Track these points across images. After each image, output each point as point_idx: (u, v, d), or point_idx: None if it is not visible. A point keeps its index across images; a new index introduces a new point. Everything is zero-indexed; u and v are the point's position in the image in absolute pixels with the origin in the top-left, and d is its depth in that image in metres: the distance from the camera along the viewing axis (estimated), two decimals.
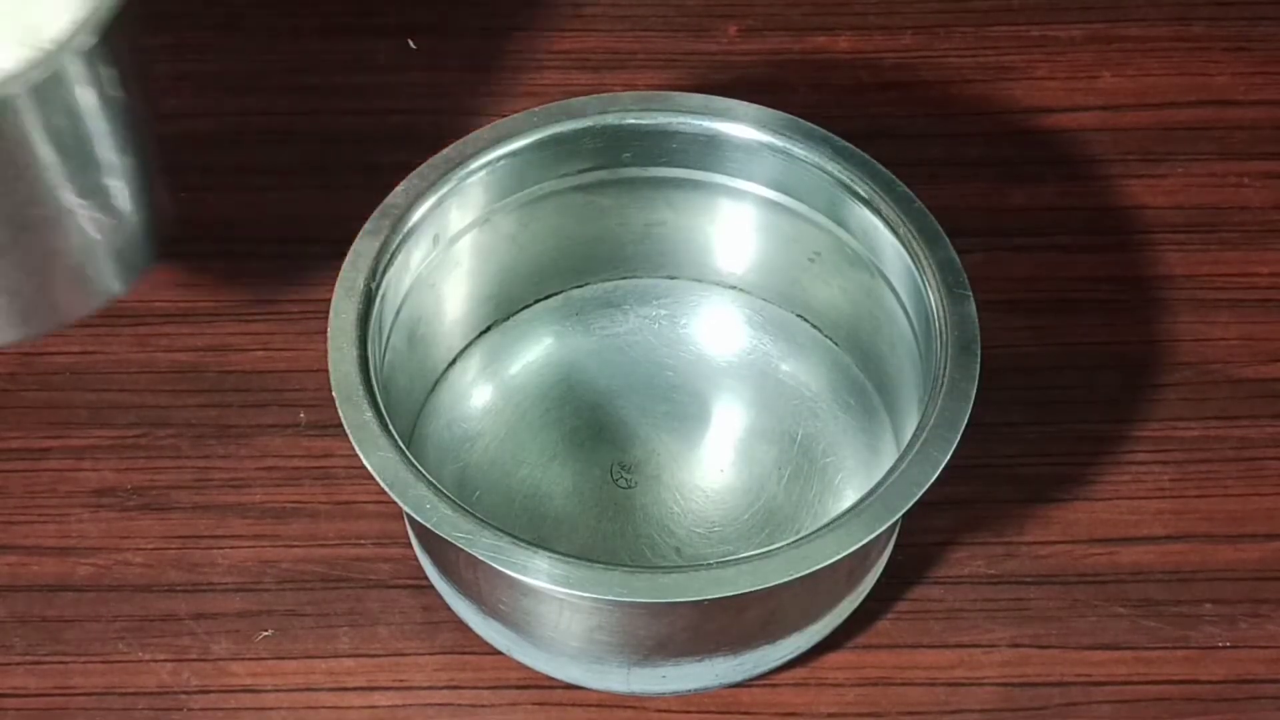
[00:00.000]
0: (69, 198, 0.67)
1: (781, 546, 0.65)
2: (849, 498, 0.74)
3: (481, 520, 0.65)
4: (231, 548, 0.78)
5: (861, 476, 0.76)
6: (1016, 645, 0.76)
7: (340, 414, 0.68)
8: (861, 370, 0.78)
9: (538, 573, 0.64)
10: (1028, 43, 0.95)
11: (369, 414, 0.68)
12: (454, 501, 0.66)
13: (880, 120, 0.92)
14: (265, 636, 0.76)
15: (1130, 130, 0.92)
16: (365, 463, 0.67)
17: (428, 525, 0.65)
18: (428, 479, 0.66)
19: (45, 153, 0.66)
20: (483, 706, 0.75)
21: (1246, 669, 0.75)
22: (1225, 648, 0.76)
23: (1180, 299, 0.86)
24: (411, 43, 0.95)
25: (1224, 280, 0.86)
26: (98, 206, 0.67)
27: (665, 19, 0.96)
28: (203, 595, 0.77)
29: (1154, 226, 0.88)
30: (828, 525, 0.66)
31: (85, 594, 0.77)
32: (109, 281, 0.70)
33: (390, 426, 0.67)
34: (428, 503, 0.66)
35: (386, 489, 0.66)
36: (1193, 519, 0.79)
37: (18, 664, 0.75)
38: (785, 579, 0.64)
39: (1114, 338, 0.85)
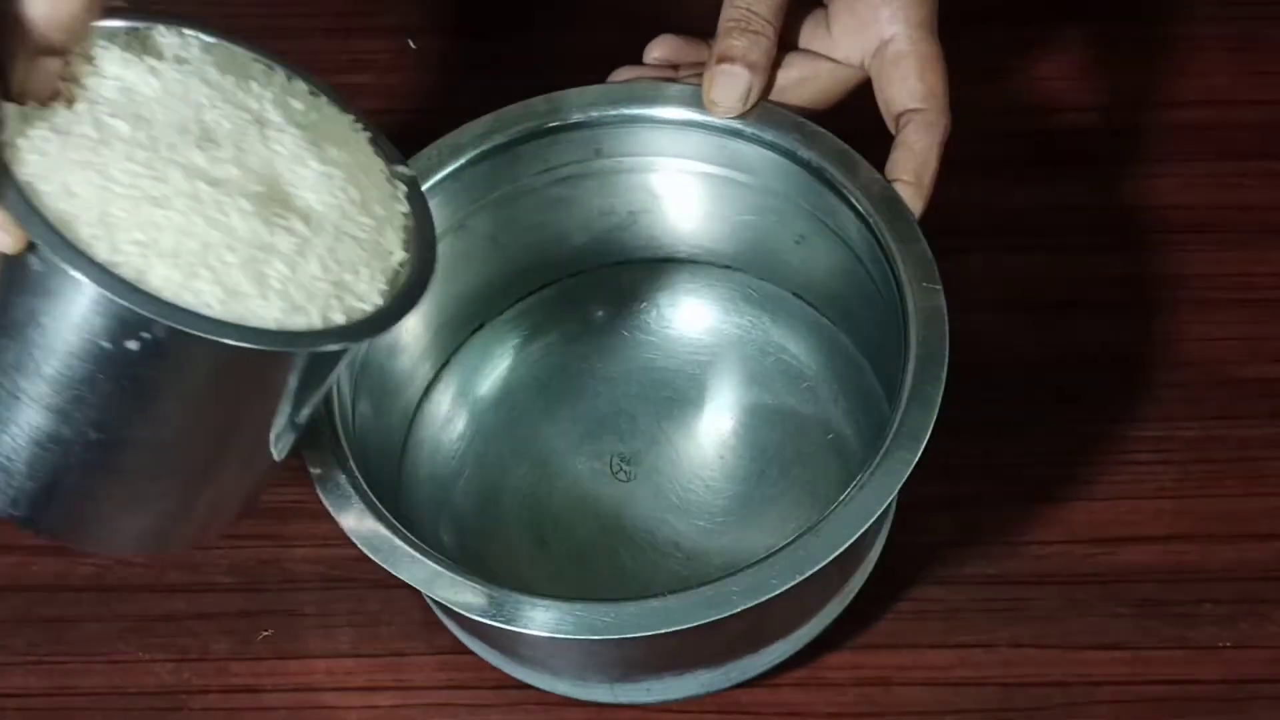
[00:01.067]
0: (274, 441, 0.65)
1: (741, 570, 0.64)
2: (850, 478, 0.73)
3: (445, 563, 0.65)
4: (232, 547, 0.78)
5: (864, 454, 0.75)
6: (1017, 645, 0.76)
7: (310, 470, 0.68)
8: (857, 348, 0.77)
9: (503, 615, 0.64)
10: (1028, 43, 0.95)
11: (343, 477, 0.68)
12: (415, 542, 0.66)
13: (880, 120, 0.92)
14: (265, 636, 0.76)
15: (1130, 130, 0.92)
16: (350, 536, 0.67)
17: (387, 567, 0.65)
18: (410, 538, 0.66)
19: (296, 399, 0.64)
20: (483, 706, 0.75)
21: (1246, 669, 0.75)
22: (1225, 648, 0.76)
23: (1180, 299, 0.86)
24: (411, 43, 0.95)
25: (1224, 280, 0.86)
26: (278, 449, 0.65)
27: (665, 19, 0.96)
28: (203, 595, 0.77)
29: (1154, 226, 0.88)
30: (789, 545, 0.65)
31: (85, 594, 0.77)
32: (248, 508, 0.68)
33: (365, 487, 0.67)
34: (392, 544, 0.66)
35: (372, 555, 0.66)
36: (1193, 519, 0.79)
37: (18, 664, 0.75)
38: (740, 607, 0.63)
39: (1114, 338, 0.85)
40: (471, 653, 0.74)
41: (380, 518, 0.66)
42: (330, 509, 0.67)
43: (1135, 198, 0.89)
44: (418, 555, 0.65)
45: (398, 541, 0.66)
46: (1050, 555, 0.78)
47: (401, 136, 0.90)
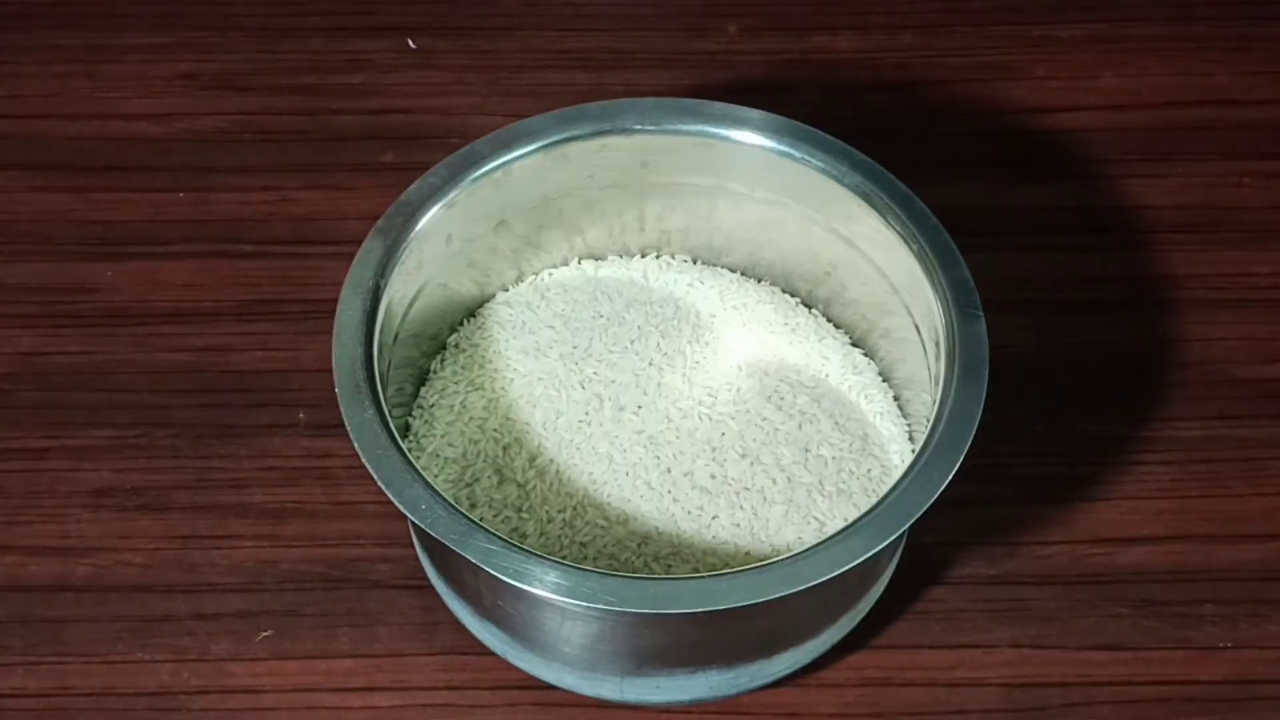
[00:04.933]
0: None
1: (776, 562, 0.64)
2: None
3: (474, 523, 0.65)
4: (231, 548, 0.78)
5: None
6: (1017, 645, 0.76)
7: (342, 410, 0.67)
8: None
9: (530, 578, 0.64)
10: (1028, 42, 0.95)
11: (370, 411, 0.67)
12: (448, 503, 0.65)
13: (880, 120, 0.92)
14: (265, 636, 0.76)
15: (1130, 130, 0.92)
16: (363, 460, 0.66)
17: (422, 525, 0.65)
18: (424, 480, 0.66)
19: None
20: (482, 707, 0.75)
21: (1247, 669, 0.75)
22: (1226, 648, 0.76)
23: (1180, 299, 0.86)
24: (411, 43, 0.95)
25: (1224, 280, 0.86)
26: None
27: (665, 19, 0.96)
28: (202, 595, 0.77)
29: (1154, 226, 0.88)
30: (824, 543, 0.65)
31: (84, 594, 0.77)
32: None
33: (390, 425, 0.67)
34: (423, 503, 0.66)
35: (383, 487, 0.66)
36: (1193, 519, 0.79)
37: (17, 664, 0.75)
38: (780, 593, 0.63)
39: (1114, 338, 0.85)
40: (471, 653, 0.74)
41: (417, 477, 0.66)
42: (369, 466, 0.66)
43: (1135, 198, 0.89)
44: (454, 517, 0.65)
45: (432, 502, 0.66)
46: (1050, 556, 0.78)
47: (402, 136, 0.91)
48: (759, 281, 0.81)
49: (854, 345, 0.79)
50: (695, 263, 0.81)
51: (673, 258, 0.81)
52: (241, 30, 0.95)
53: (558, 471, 0.74)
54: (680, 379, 0.77)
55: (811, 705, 0.75)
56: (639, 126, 0.75)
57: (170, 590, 0.77)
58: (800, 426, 0.75)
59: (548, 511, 0.73)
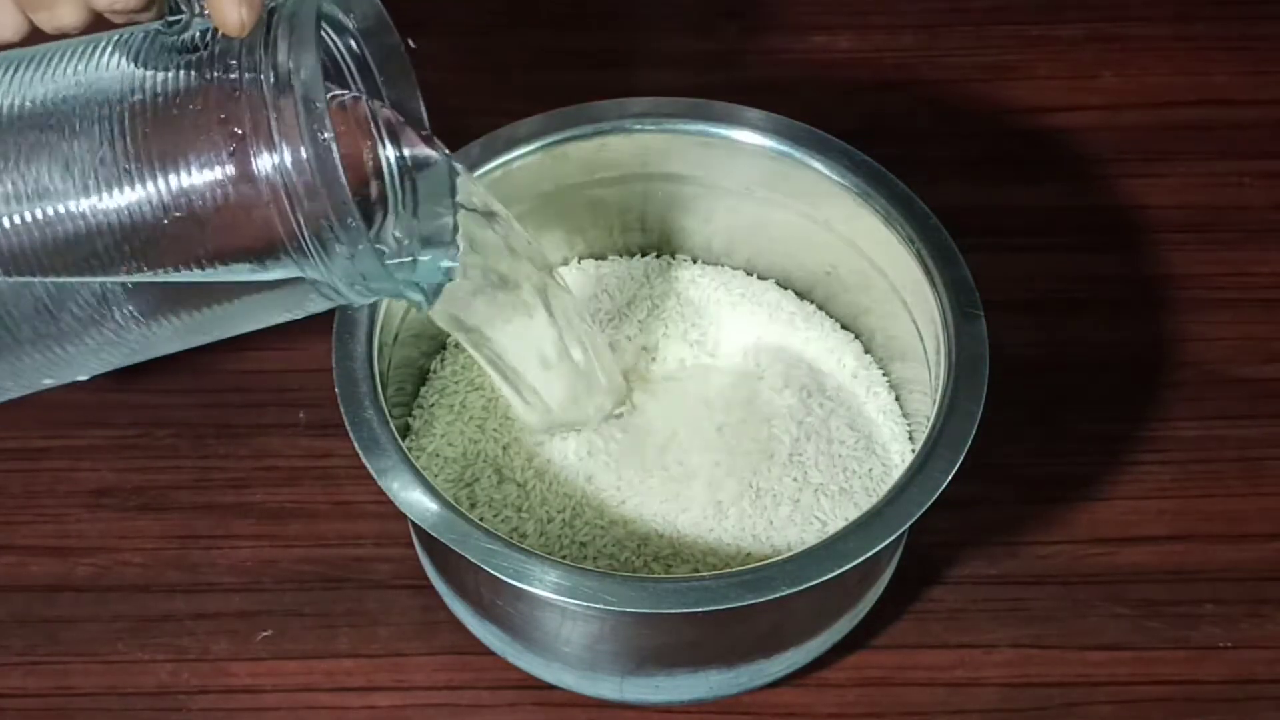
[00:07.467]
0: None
1: (776, 562, 0.65)
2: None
3: (474, 523, 0.65)
4: (231, 548, 0.78)
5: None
6: (1017, 645, 0.76)
7: (342, 410, 0.68)
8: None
9: (530, 578, 0.64)
10: (1028, 42, 0.95)
11: (370, 411, 0.67)
12: (449, 504, 0.66)
13: (880, 120, 0.92)
14: (265, 636, 0.76)
15: (1130, 130, 0.92)
16: (364, 460, 0.66)
17: (422, 525, 0.65)
18: (424, 480, 0.66)
19: None
20: (482, 707, 0.75)
21: (1247, 669, 0.75)
22: (1226, 648, 0.76)
23: (1180, 299, 0.86)
24: (411, 42, 0.95)
25: (1224, 280, 0.86)
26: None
27: (665, 19, 0.96)
28: (202, 595, 0.77)
29: (1154, 226, 0.88)
30: (824, 543, 0.65)
31: (84, 594, 0.77)
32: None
33: (390, 425, 0.67)
34: (423, 503, 0.66)
35: (384, 487, 0.66)
36: (1193, 519, 0.79)
37: (16, 664, 0.75)
38: (780, 593, 0.63)
39: (1114, 338, 0.85)
40: (471, 653, 0.74)
41: (417, 477, 0.66)
42: (369, 466, 0.66)
43: (1135, 198, 0.89)
44: (454, 517, 0.65)
45: (432, 502, 0.66)
46: (1050, 555, 0.78)
47: None
48: (759, 280, 0.81)
49: (854, 345, 0.79)
50: (695, 262, 0.82)
51: (673, 257, 0.82)
52: None
53: (557, 471, 0.74)
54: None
55: (811, 705, 0.75)
56: (639, 126, 0.75)
57: (170, 590, 0.77)
58: (801, 425, 0.75)
59: (547, 511, 0.73)
